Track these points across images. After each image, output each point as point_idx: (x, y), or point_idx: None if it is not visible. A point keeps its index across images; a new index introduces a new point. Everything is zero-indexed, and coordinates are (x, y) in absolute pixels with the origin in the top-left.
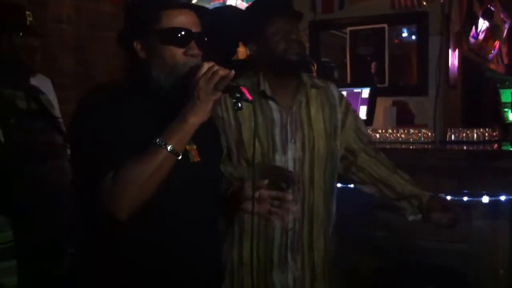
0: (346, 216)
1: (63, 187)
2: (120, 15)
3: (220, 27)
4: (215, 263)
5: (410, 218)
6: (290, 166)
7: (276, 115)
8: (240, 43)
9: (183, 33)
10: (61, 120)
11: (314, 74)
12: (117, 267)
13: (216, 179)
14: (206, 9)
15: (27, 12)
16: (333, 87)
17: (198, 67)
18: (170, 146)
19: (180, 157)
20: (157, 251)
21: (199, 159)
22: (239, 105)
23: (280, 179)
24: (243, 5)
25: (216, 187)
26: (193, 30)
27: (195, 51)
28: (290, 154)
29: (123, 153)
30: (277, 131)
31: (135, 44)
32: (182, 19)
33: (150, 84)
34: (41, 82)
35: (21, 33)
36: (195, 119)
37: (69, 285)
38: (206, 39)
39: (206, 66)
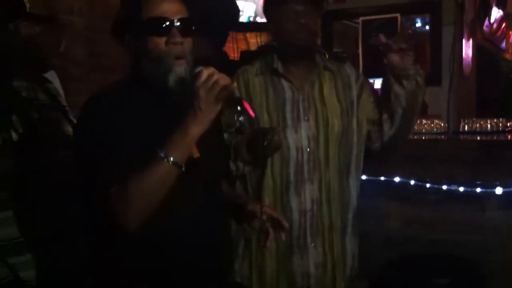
0: (359, 207)
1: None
2: None
3: (208, 12)
4: (217, 261)
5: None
6: (305, 144)
7: (288, 93)
8: (250, 34)
9: (162, 21)
10: (67, 108)
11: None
12: (116, 266)
13: (217, 174)
14: None
15: None
16: (348, 67)
17: (197, 74)
18: (172, 158)
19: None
20: (156, 251)
21: (198, 155)
22: (241, 119)
23: (266, 132)
24: None
25: (218, 181)
26: (174, 18)
27: (177, 39)
28: (303, 132)
29: (126, 163)
30: (288, 108)
31: (126, 37)
32: (162, 7)
33: (147, 78)
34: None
35: (25, 22)
36: (197, 130)
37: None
38: (192, 25)
39: (205, 73)
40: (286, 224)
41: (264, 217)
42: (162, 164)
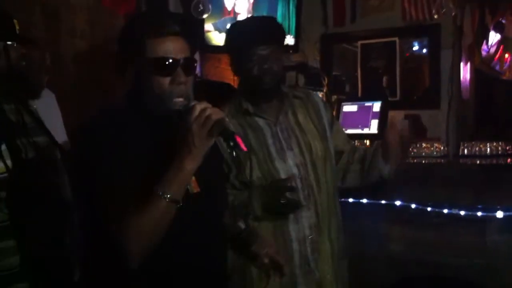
0: (362, 230)
1: (62, 203)
2: None
3: None
4: None
5: (386, 171)
6: (296, 172)
7: (266, 128)
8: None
9: (167, 62)
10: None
11: (325, 87)
12: None
13: (218, 208)
14: (193, 33)
15: (14, 20)
16: (315, 95)
17: (189, 109)
18: (169, 195)
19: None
20: (158, 280)
21: (198, 189)
22: (234, 153)
23: (283, 190)
24: None
25: (219, 216)
26: (178, 57)
27: (181, 79)
28: (291, 162)
29: (125, 196)
30: (270, 142)
31: (128, 69)
32: (167, 47)
33: (146, 110)
34: (45, 96)
35: (15, 43)
36: (191, 165)
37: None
38: (195, 64)
39: (198, 108)
40: (287, 271)
41: (266, 260)
42: (160, 201)
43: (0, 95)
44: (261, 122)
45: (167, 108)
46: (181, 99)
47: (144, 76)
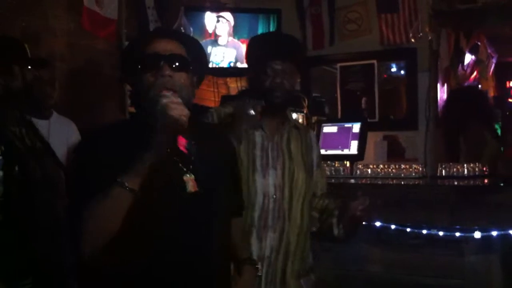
0: (340, 252)
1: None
2: (114, 52)
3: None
4: None
5: (336, 232)
6: (271, 191)
7: (258, 139)
8: (231, 79)
9: (152, 57)
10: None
11: (305, 109)
12: None
13: (216, 208)
14: (185, 35)
15: (25, 45)
16: (312, 133)
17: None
18: (125, 182)
19: (134, 193)
20: (153, 281)
21: (197, 189)
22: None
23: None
24: (234, 42)
25: (217, 216)
26: (163, 53)
27: (166, 72)
28: (271, 180)
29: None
30: (257, 153)
31: (130, 81)
32: (156, 46)
33: (143, 116)
34: (66, 126)
35: (29, 66)
36: (149, 157)
37: None
38: (185, 62)
39: (161, 102)
40: None
41: None
42: (115, 188)
43: (12, 115)
44: (256, 132)
45: (154, 101)
46: (169, 93)
47: (136, 77)
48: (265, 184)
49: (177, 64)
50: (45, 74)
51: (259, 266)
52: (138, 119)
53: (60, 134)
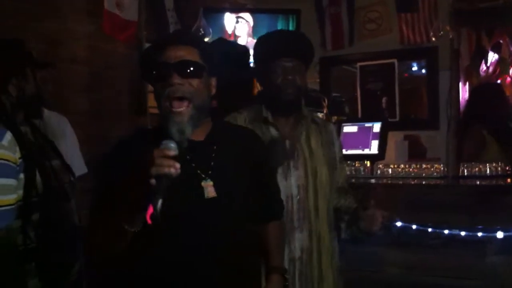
0: (359, 253)
1: (71, 229)
2: (134, 55)
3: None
4: None
5: (343, 234)
6: (294, 192)
7: (278, 142)
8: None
9: (161, 67)
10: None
11: (325, 109)
12: None
13: (236, 214)
14: (199, 38)
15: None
16: (331, 126)
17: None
18: (126, 226)
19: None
20: (168, 284)
21: (215, 195)
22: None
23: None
24: (253, 42)
25: (237, 221)
26: (172, 61)
27: (174, 80)
28: (293, 181)
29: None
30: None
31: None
32: (166, 54)
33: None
34: (59, 120)
35: (37, 68)
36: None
37: None
38: (196, 67)
39: (155, 153)
40: None
41: None
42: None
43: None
44: (274, 133)
45: (166, 114)
46: (181, 113)
47: (154, 89)
48: (287, 186)
49: (186, 71)
50: (47, 74)
51: (288, 276)
52: (159, 128)
53: (56, 129)
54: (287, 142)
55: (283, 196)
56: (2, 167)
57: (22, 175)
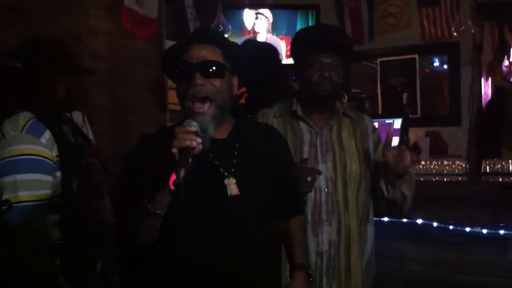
0: (381, 249)
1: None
2: (154, 51)
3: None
4: None
5: (385, 193)
6: (323, 185)
7: (306, 135)
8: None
9: (184, 66)
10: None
11: (345, 105)
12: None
13: (259, 211)
14: (222, 37)
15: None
16: (367, 118)
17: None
18: (151, 208)
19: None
20: (191, 283)
21: (238, 192)
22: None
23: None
24: (273, 39)
25: (260, 219)
26: (195, 61)
27: (197, 80)
28: (322, 174)
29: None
30: (305, 149)
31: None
32: (189, 53)
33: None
34: (77, 116)
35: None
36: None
37: None
38: (219, 67)
39: (175, 130)
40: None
41: None
42: (143, 212)
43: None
44: (304, 128)
45: (189, 113)
46: (204, 106)
47: (177, 84)
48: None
49: (209, 70)
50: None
51: (311, 272)
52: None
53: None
54: (315, 138)
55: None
56: (38, 163)
57: (59, 173)
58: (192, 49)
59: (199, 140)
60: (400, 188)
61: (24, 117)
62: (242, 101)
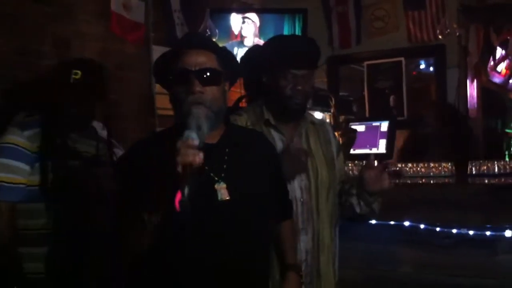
0: (371, 251)
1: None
2: (143, 56)
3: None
4: None
5: (357, 209)
6: (298, 194)
7: (279, 143)
8: None
9: (182, 73)
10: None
11: (332, 108)
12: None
13: (250, 216)
14: (215, 43)
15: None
16: (327, 125)
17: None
18: (146, 217)
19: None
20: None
21: (228, 197)
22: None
23: None
24: (260, 43)
25: (252, 223)
26: (193, 68)
27: (196, 88)
28: (296, 184)
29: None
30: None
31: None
32: (186, 60)
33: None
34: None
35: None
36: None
37: None
38: (215, 75)
39: (178, 143)
40: None
41: None
42: (139, 221)
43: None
44: (276, 136)
45: (185, 113)
46: (200, 107)
47: (171, 92)
48: (291, 188)
49: (207, 79)
50: None
51: (302, 273)
52: (176, 128)
53: None
54: (303, 157)
55: None
56: (12, 151)
57: (37, 164)
58: (189, 56)
59: (201, 155)
60: (372, 206)
61: (24, 117)
62: (243, 104)
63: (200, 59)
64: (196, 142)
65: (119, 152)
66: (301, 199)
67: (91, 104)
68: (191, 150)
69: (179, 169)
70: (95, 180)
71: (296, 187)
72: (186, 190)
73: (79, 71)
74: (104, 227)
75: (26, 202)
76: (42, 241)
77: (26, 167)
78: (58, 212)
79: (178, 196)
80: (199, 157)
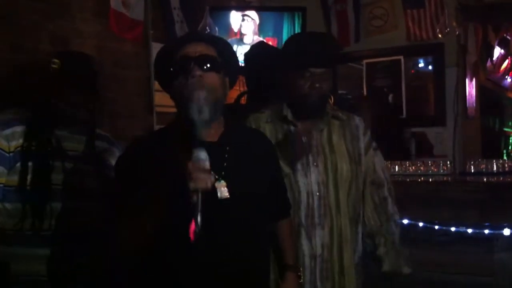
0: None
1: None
2: (141, 54)
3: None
4: None
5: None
6: (315, 189)
7: (297, 139)
8: None
9: (183, 60)
10: None
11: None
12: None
13: (250, 214)
14: (216, 37)
15: None
16: (358, 119)
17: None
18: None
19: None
20: (181, 283)
21: (228, 195)
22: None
23: None
24: (259, 39)
25: (252, 222)
26: (192, 55)
27: (196, 72)
28: (313, 177)
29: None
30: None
31: (167, 88)
32: (186, 50)
33: (183, 120)
34: None
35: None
36: None
37: None
38: (214, 62)
39: (188, 167)
40: None
41: None
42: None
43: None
44: (295, 132)
45: (187, 100)
46: (201, 91)
47: (172, 85)
48: (307, 182)
49: (207, 64)
50: None
51: (301, 274)
52: (176, 126)
53: None
54: (304, 138)
55: (303, 193)
56: None
57: (18, 164)
58: (189, 47)
59: (212, 179)
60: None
61: (4, 113)
62: (243, 101)
63: (199, 48)
64: (207, 164)
65: (114, 150)
66: (317, 193)
67: (74, 97)
68: (203, 175)
69: (194, 198)
70: (78, 178)
71: (313, 182)
72: (199, 219)
73: (57, 60)
74: (87, 226)
75: (1, 202)
76: (24, 241)
77: (0, 168)
78: (36, 212)
79: (192, 227)
80: (211, 181)
